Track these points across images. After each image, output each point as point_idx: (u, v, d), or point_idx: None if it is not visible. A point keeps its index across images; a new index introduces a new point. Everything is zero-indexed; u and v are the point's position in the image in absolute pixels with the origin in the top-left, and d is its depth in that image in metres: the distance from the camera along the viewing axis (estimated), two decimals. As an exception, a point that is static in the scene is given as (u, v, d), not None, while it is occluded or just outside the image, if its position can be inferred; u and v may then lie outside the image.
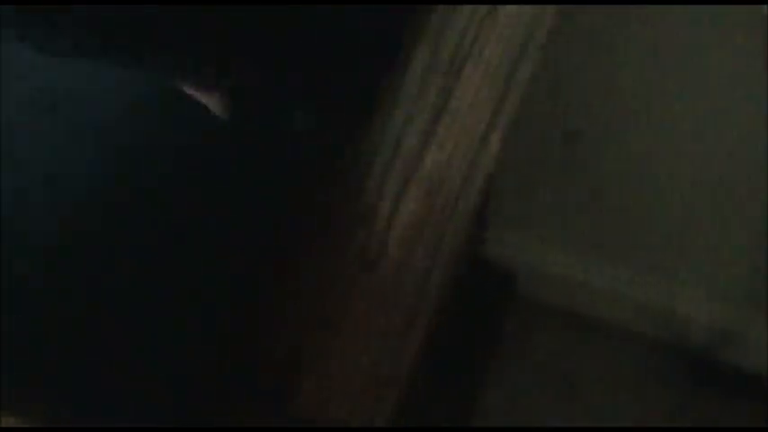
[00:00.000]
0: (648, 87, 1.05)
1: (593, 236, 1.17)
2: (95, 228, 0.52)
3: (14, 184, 0.52)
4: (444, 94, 0.64)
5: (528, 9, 0.69)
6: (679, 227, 1.14)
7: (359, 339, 0.58)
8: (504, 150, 0.66)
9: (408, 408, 0.60)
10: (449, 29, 0.67)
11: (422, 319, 0.59)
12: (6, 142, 0.53)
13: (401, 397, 0.58)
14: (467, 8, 0.68)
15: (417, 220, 0.61)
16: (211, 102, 0.55)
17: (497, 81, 0.66)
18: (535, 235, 1.18)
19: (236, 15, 0.54)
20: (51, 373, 0.51)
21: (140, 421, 0.51)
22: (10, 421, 0.50)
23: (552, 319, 1.19)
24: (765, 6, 0.93)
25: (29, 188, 0.52)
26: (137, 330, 0.52)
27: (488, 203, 0.91)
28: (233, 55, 0.55)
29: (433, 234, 0.61)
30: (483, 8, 0.68)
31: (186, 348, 0.54)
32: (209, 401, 0.55)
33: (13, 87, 0.55)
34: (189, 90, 0.55)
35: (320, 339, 0.57)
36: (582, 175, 1.13)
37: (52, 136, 0.54)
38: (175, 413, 0.53)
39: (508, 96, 0.65)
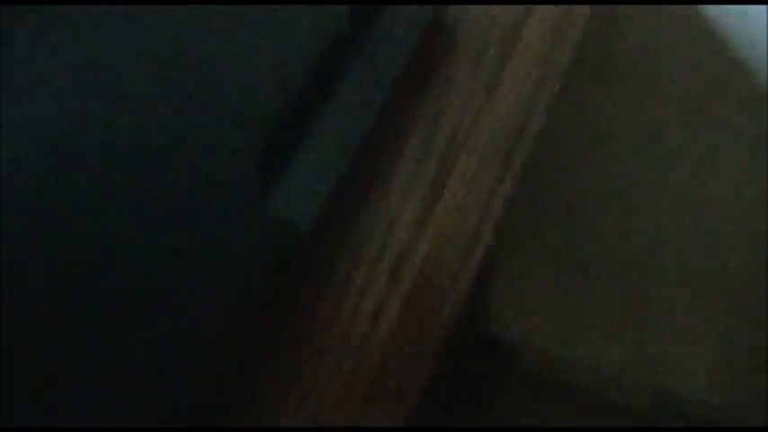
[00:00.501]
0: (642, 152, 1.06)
1: (590, 311, 1.17)
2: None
3: None
4: (437, 186, 0.64)
5: (524, 95, 0.69)
6: (674, 303, 1.14)
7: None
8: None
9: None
10: (443, 118, 0.67)
11: (405, 408, 0.59)
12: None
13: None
14: (462, 94, 0.68)
15: (405, 311, 0.61)
16: None
17: (491, 171, 0.66)
18: (534, 309, 1.18)
19: None
20: (50, 374, 0.51)
21: (142, 421, 0.51)
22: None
23: (551, 393, 1.18)
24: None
25: None
26: (143, 331, 0.53)
27: (484, 287, 0.91)
28: None
29: (422, 327, 0.60)
30: (478, 95, 0.69)
31: (185, 351, 0.53)
32: (209, 404, 0.54)
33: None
34: None
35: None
36: (577, 245, 1.13)
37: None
38: (177, 413, 0.52)
39: (502, 186, 0.65)
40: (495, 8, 0.75)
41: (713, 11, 0.89)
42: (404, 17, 0.67)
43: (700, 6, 0.89)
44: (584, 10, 0.78)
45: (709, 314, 1.14)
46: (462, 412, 1.11)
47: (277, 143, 0.59)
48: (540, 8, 0.76)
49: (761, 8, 0.87)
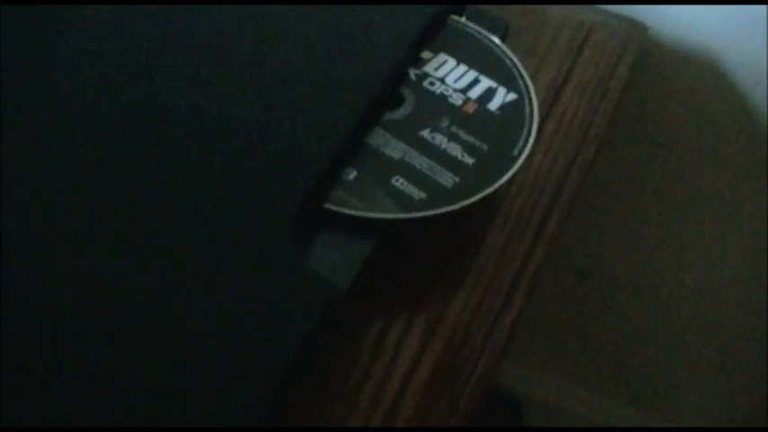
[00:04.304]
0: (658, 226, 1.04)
1: (599, 371, 1.16)
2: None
3: None
4: (461, 268, 0.63)
5: (543, 202, 0.67)
6: (686, 368, 1.13)
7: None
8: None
9: None
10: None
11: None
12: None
13: None
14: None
15: (432, 383, 0.58)
16: None
17: (511, 269, 0.64)
18: (543, 368, 1.17)
19: None
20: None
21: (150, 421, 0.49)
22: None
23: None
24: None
25: None
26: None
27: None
28: None
29: (449, 400, 0.58)
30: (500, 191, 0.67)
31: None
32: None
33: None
34: None
35: None
36: (590, 310, 1.12)
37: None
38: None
39: (522, 279, 0.63)
40: (533, 69, 0.73)
41: (726, 61, 0.88)
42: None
43: (714, 59, 0.89)
44: (621, 73, 0.76)
45: (723, 389, 1.14)
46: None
47: (314, 198, 0.57)
48: (578, 71, 0.74)
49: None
